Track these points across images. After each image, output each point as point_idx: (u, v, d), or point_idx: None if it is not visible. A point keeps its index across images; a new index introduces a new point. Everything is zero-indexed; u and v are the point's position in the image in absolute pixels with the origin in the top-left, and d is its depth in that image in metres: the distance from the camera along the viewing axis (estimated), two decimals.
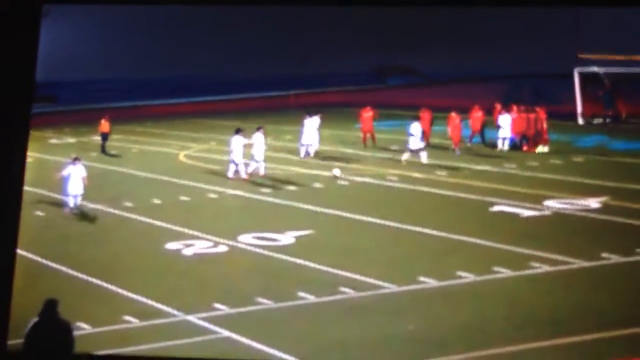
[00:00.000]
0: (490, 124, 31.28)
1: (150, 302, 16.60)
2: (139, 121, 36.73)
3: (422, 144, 27.94)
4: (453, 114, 30.28)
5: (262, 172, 26.57)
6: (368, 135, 31.31)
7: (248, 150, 26.65)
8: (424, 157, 27.59)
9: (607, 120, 32.79)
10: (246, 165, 26.57)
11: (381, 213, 21.64)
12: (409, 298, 16.28)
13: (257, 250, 19.44)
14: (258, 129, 27.09)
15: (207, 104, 39.56)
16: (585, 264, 17.43)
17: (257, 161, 26.69)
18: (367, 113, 31.62)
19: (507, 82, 34.81)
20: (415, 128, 28.11)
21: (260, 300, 16.42)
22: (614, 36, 32.20)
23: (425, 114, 31.73)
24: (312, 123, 29.62)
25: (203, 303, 16.47)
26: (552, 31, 33.18)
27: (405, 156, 27.82)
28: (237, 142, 26.59)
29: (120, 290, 17.25)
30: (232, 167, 26.60)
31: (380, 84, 40.36)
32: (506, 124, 29.58)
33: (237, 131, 26.84)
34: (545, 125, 29.16)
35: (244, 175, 26.37)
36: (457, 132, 30.13)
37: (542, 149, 28.81)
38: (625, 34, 31.71)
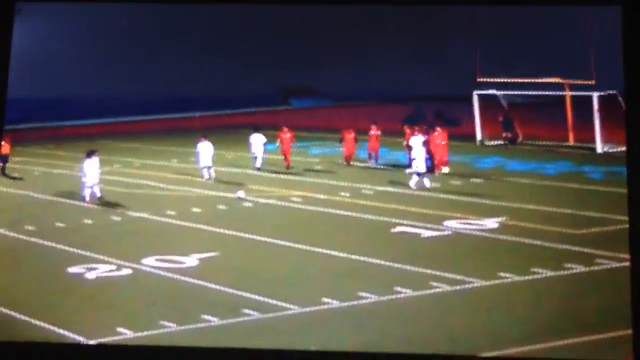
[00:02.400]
0: (389, 144, 31.66)
1: (52, 327, 16.44)
2: (41, 143, 36.25)
3: (425, 167, 27.18)
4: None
5: (98, 194, 26.55)
6: (287, 157, 31.59)
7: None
8: (427, 182, 26.84)
9: (506, 142, 33.56)
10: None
11: (285, 234, 21.78)
12: (312, 319, 16.41)
13: (161, 273, 19.42)
14: (89, 154, 27.04)
15: (111, 125, 39.26)
16: (483, 283, 17.78)
17: (90, 186, 26.58)
18: (285, 134, 31.87)
19: (410, 104, 35.30)
20: (418, 147, 27.36)
21: (164, 323, 16.37)
22: (511, 61, 32.99)
23: (349, 134, 31.85)
24: (206, 146, 29.72)
25: (107, 327, 16.36)
26: (454, 55, 33.83)
27: (413, 181, 26.96)
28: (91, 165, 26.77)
29: (19, 315, 17.01)
30: (87, 191, 26.56)
31: (284, 105, 40.52)
32: (419, 146, 29.77)
33: (90, 154, 26.94)
34: (446, 147, 29.61)
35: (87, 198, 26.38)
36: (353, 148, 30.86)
37: (444, 170, 29.22)
38: (521, 59, 32.49)
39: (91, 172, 26.62)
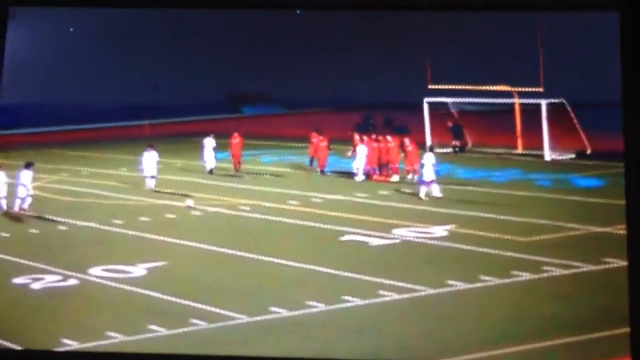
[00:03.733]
0: (340, 152, 31.71)
1: None
2: None
3: (434, 176, 26.39)
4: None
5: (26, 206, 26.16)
6: (236, 160, 31.71)
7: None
8: (436, 191, 26.12)
9: (456, 150, 33.74)
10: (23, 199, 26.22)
11: (233, 243, 21.75)
12: (260, 328, 16.39)
13: (108, 283, 19.29)
14: (27, 165, 26.72)
15: (58, 133, 38.90)
16: (432, 291, 17.85)
17: (21, 198, 26.21)
18: (235, 139, 31.95)
19: (360, 111, 35.40)
20: (429, 158, 26.50)
21: (110, 334, 16.26)
22: (462, 69, 33.27)
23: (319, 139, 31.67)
24: (152, 155, 29.44)
25: (51, 338, 16.20)
26: (404, 63, 33.99)
27: (423, 191, 26.26)
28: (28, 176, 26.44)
29: None
30: (17, 201, 26.24)
31: (235, 113, 40.43)
32: (363, 155, 29.79)
33: (28, 165, 26.65)
34: (398, 155, 29.62)
35: (16, 209, 26.02)
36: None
37: (394, 178, 29.20)
38: (471, 66, 32.75)
39: (27, 183, 26.27)
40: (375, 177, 29.80)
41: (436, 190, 26.34)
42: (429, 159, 26.65)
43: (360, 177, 29.73)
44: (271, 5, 22.63)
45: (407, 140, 29.25)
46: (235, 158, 31.84)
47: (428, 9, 21.91)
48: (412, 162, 29.09)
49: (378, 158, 29.93)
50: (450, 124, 33.98)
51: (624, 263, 17.01)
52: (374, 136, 30.85)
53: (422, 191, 26.45)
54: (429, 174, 26.48)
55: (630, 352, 14.19)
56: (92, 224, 24.54)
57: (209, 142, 31.80)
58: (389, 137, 30.20)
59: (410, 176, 28.88)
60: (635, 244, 15.36)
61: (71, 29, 32.07)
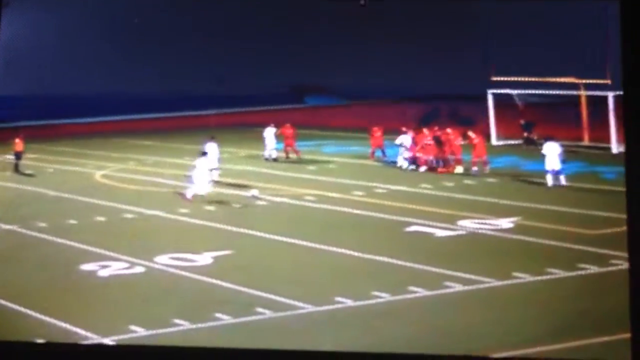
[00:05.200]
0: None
1: (64, 324, 16.44)
2: (55, 140, 36.35)
3: (560, 165, 26.58)
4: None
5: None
6: (289, 149, 31.98)
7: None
8: (562, 179, 26.49)
9: (528, 142, 33.37)
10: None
11: (298, 233, 21.78)
12: (325, 318, 16.40)
13: (174, 271, 19.39)
14: (203, 154, 27.10)
15: (125, 122, 39.37)
16: (497, 283, 17.75)
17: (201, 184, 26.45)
18: (288, 130, 32.14)
19: (424, 103, 35.26)
20: (550, 147, 26.71)
21: (177, 321, 16.37)
22: (525, 61, 32.85)
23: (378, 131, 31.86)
24: (212, 147, 29.44)
25: (120, 325, 16.35)
26: (468, 55, 33.66)
27: (550, 180, 26.46)
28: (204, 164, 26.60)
29: (31, 312, 16.99)
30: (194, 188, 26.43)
31: (298, 103, 40.62)
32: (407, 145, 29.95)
33: (205, 153, 27.04)
34: (459, 146, 29.52)
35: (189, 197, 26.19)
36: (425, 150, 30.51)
37: (458, 169, 29.12)
38: (535, 58, 32.34)
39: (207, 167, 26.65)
40: (439, 169, 29.69)
41: (562, 179, 26.46)
42: (553, 148, 26.67)
43: (405, 166, 29.75)
44: None
45: (471, 133, 29.16)
46: (290, 146, 32.16)
47: None
48: (479, 154, 28.95)
49: (440, 150, 29.80)
50: (522, 121, 33.67)
51: None
52: (436, 128, 30.68)
53: (550, 179, 26.39)
54: (554, 162, 26.49)
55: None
56: (158, 212, 24.73)
57: (270, 132, 32.11)
58: (448, 130, 30.03)
59: (476, 168, 28.75)
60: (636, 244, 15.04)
61: (135, 20, 32.19)
